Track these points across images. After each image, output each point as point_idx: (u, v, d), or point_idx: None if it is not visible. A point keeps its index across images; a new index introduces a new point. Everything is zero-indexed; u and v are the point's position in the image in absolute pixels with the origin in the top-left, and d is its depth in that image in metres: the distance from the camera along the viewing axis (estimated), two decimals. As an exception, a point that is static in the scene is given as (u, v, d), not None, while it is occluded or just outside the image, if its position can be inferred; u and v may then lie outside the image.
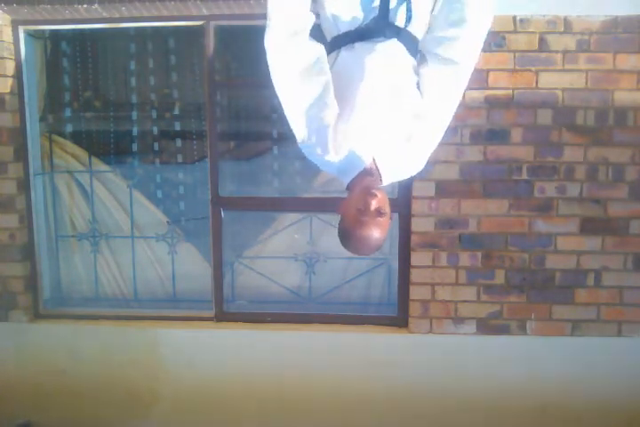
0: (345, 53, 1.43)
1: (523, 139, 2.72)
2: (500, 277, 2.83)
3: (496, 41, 2.64)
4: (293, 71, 1.39)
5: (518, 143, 2.72)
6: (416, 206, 2.79)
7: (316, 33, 1.49)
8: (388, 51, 1.39)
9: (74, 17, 2.91)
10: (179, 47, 3.29)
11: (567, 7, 2.64)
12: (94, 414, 3.07)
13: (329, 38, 1.49)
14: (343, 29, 1.44)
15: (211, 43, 2.92)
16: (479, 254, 2.82)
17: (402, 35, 1.41)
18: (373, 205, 1.33)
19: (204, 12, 2.84)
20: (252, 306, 3.19)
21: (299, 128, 1.43)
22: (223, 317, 3.10)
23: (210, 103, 2.98)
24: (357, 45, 1.42)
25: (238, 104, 3.42)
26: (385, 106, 1.38)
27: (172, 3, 2.75)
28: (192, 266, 3.28)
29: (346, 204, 1.39)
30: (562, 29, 2.66)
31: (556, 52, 2.67)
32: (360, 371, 2.93)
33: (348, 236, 1.37)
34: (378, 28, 1.40)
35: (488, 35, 1.46)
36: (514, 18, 2.65)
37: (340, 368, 2.93)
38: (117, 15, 2.90)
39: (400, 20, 1.41)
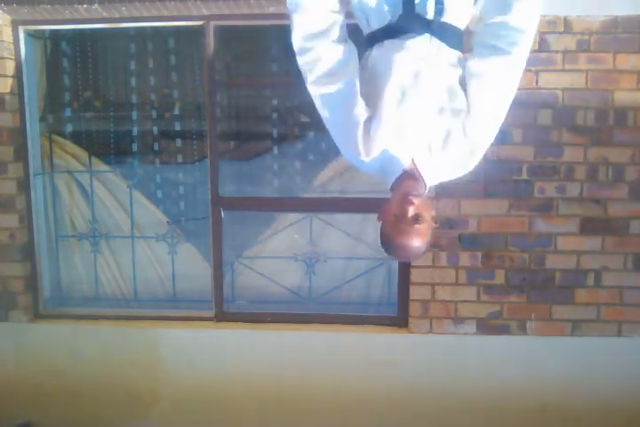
0: (375, 52, 1.41)
1: (523, 139, 2.72)
2: (500, 277, 2.83)
3: (496, 41, 2.63)
4: (320, 72, 1.38)
5: (518, 143, 2.72)
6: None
7: (355, 33, 1.47)
8: (419, 47, 1.34)
9: (74, 17, 2.91)
10: (179, 47, 3.29)
11: (567, 7, 2.64)
12: (94, 415, 3.07)
13: (364, 36, 1.47)
14: (374, 27, 1.42)
15: (211, 43, 2.92)
16: (479, 254, 2.81)
17: (435, 28, 1.35)
18: (410, 212, 1.30)
19: (204, 12, 2.84)
20: (252, 306, 3.19)
21: (331, 130, 1.43)
22: (223, 317, 3.10)
23: (210, 103, 2.98)
24: (387, 43, 1.39)
25: (238, 104, 3.42)
26: (416, 104, 1.34)
27: (172, 3, 2.75)
28: (192, 266, 3.28)
29: (385, 209, 1.37)
30: (562, 29, 2.66)
31: (556, 52, 2.67)
32: (360, 371, 2.93)
33: (387, 243, 1.35)
34: (406, 23, 1.36)
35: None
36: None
37: (340, 368, 2.93)
38: (117, 15, 2.89)
39: (431, 13, 1.36)
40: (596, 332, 2.83)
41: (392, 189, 1.40)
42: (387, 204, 1.37)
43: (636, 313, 2.81)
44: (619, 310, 2.82)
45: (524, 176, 2.75)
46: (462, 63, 1.40)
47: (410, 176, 1.37)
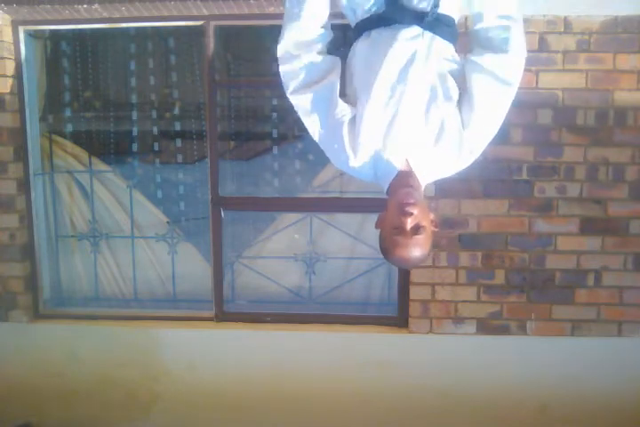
0: (362, 44, 1.38)
1: (523, 139, 2.72)
2: (500, 277, 2.82)
3: (496, 41, 2.63)
4: (302, 81, 1.37)
5: (518, 143, 2.72)
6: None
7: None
8: (410, 39, 1.30)
9: (74, 17, 2.91)
10: (179, 47, 3.29)
11: (567, 7, 2.64)
12: (94, 415, 3.07)
13: (352, 28, 1.44)
14: (360, 17, 1.39)
15: (211, 43, 2.92)
16: (479, 254, 2.81)
17: (428, 21, 1.31)
18: (409, 224, 1.24)
19: (204, 12, 2.84)
20: (252, 306, 3.19)
21: (317, 138, 1.40)
22: (223, 317, 3.10)
23: (210, 103, 2.97)
24: (374, 34, 1.35)
25: (238, 104, 3.42)
26: (406, 100, 1.29)
27: (172, 3, 2.75)
28: (192, 266, 3.28)
29: (382, 219, 1.32)
30: (562, 29, 2.65)
31: (556, 52, 2.67)
32: (360, 371, 2.93)
33: (386, 253, 1.31)
34: (391, 14, 1.33)
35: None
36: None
37: (340, 368, 2.93)
38: (117, 15, 2.89)
39: (428, 4, 1.31)
40: (596, 332, 2.83)
41: (388, 193, 1.36)
42: (384, 213, 1.32)
43: (636, 313, 2.81)
44: (619, 310, 2.81)
45: (524, 176, 2.75)
46: (456, 59, 1.37)
47: (404, 182, 1.31)
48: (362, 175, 1.41)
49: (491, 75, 1.33)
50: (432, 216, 1.33)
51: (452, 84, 1.34)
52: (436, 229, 1.34)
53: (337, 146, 1.36)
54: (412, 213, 1.24)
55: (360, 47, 1.38)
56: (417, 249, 1.27)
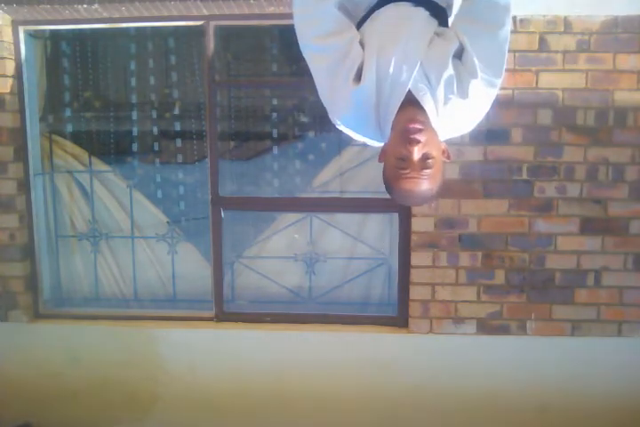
0: (367, 23, 1.29)
1: (523, 139, 2.72)
2: (499, 277, 2.82)
3: (496, 41, 2.63)
4: (320, 30, 1.25)
5: (518, 143, 2.72)
6: (416, 206, 2.79)
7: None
8: (408, 7, 1.23)
9: (74, 17, 2.91)
10: (179, 47, 3.29)
11: (567, 7, 2.64)
12: (94, 415, 3.07)
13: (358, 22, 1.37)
14: (364, 10, 1.31)
15: (211, 43, 2.92)
16: (479, 254, 2.81)
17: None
18: (416, 153, 1.08)
19: (204, 12, 2.84)
20: (252, 306, 3.19)
21: (322, 84, 1.26)
22: (223, 317, 3.10)
23: (210, 103, 2.98)
24: (382, 10, 1.27)
25: (238, 104, 3.42)
26: (407, 34, 1.18)
27: (172, 3, 2.75)
28: (192, 266, 3.28)
29: (384, 151, 1.16)
30: (562, 29, 2.66)
31: (556, 52, 2.67)
32: (360, 371, 2.93)
33: (390, 189, 1.16)
34: None
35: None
36: (514, 18, 2.64)
37: (340, 368, 2.93)
38: (117, 15, 2.90)
39: None
40: (596, 332, 2.83)
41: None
42: (387, 143, 1.17)
43: (636, 313, 2.81)
44: (619, 310, 2.81)
45: (524, 176, 2.75)
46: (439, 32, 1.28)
47: (410, 115, 1.13)
48: (362, 125, 1.25)
49: (479, 19, 1.23)
50: (443, 146, 1.17)
51: (452, 36, 1.23)
52: (449, 160, 1.18)
53: (340, 91, 1.21)
54: (419, 141, 1.08)
55: (366, 25, 1.30)
56: (425, 182, 1.11)
